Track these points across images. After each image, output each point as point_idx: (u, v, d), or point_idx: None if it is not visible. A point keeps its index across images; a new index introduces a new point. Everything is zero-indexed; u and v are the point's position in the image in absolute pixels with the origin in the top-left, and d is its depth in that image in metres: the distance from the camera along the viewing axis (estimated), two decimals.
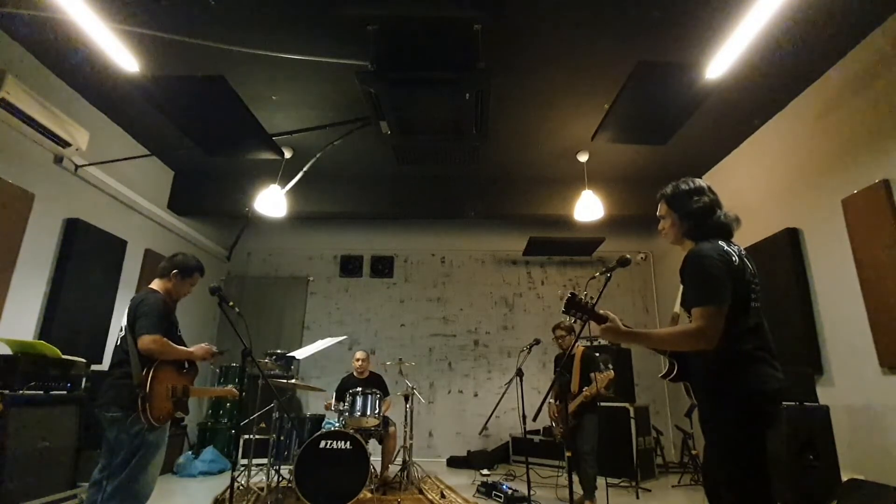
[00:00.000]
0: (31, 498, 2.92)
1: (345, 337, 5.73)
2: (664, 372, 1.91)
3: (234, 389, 3.37)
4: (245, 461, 4.45)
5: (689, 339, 1.62)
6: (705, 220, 1.77)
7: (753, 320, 1.65)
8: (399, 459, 4.48)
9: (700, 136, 4.62)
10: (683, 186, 1.83)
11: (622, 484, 4.65)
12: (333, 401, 4.57)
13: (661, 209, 1.89)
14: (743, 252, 1.75)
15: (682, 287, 1.77)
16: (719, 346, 1.59)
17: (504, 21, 3.21)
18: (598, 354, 4.07)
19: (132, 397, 2.23)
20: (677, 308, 1.89)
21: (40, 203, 3.80)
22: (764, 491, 1.56)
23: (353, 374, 4.86)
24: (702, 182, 1.84)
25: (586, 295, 1.85)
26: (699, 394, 1.77)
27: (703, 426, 1.72)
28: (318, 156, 4.61)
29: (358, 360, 4.85)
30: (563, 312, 1.87)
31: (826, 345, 3.74)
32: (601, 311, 1.80)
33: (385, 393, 4.63)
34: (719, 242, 1.72)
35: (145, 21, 3.17)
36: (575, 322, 1.88)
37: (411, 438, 4.44)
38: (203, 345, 2.59)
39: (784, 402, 3.26)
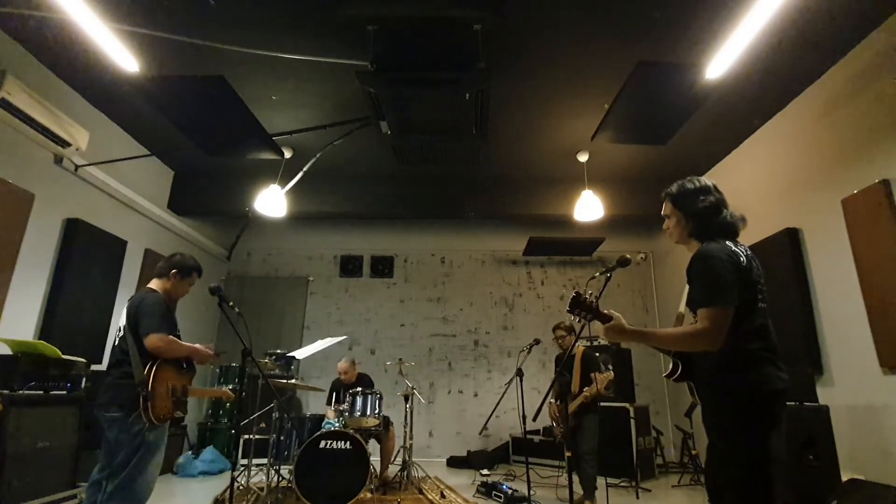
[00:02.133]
0: (31, 498, 2.92)
1: (345, 337, 5.74)
2: (668, 371, 1.91)
3: (228, 391, 3.40)
4: (245, 461, 4.45)
5: (694, 339, 1.61)
6: (711, 220, 1.75)
7: (759, 321, 1.64)
8: (399, 459, 4.48)
9: (700, 136, 4.61)
10: (689, 185, 1.80)
11: (622, 484, 4.64)
12: (330, 406, 4.55)
13: (666, 208, 1.87)
14: (749, 252, 1.73)
15: (687, 287, 1.76)
16: (724, 345, 1.58)
17: (504, 21, 3.20)
18: (598, 354, 4.07)
19: (132, 397, 2.23)
20: (682, 308, 1.88)
21: (40, 203, 3.80)
22: (766, 491, 1.56)
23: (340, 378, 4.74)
24: (707, 181, 1.81)
25: (591, 294, 1.84)
26: (703, 392, 1.76)
27: (707, 425, 1.72)
28: (318, 156, 4.61)
29: (341, 371, 4.66)
30: (568, 311, 1.86)
31: (826, 345, 3.74)
32: (605, 311, 1.79)
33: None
34: (726, 242, 1.70)
35: (145, 21, 3.17)
36: (579, 321, 1.88)
37: (411, 438, 4.44)
38: (205, 347, 2.60)
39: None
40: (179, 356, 2.47)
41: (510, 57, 3.62)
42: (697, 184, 1.80)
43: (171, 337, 2.39)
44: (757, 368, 1.59)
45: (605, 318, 1.77)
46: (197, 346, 2.54)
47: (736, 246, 1.70)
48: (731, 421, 1.60)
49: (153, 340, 2.31)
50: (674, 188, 1.85)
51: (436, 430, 6.62)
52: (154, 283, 2.56)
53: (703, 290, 1.63)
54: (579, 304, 1.81)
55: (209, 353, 2.59)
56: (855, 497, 2.99)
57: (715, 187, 1.79)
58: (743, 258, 1.66)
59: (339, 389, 4.52)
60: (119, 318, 2.49)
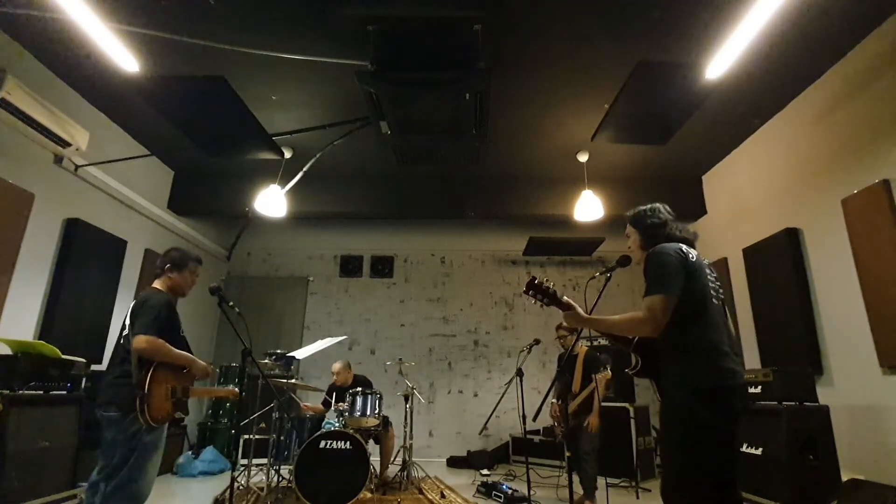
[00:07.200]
0: (31, 498, 2.92)
1: (345, 337, 5.74)
2: (631, 367, 2.04)
3: (234, 389, 3.37)
4: (245, 461, 4.45)
5: (637, 325, 1.77)
6: (657, 232, 1.97)
7: (714, 317, 1.76)
8: (399, 459, 4.48)
9: (700, 136, 4.61)
10: (642, 208, 2.07)
11: (622, 484, 4.64)
12: (331, 401, 4.54)
13: (628, 229, 2.10)
14: (705, 262, 1.89)
15: None
16: (682, 341, 1.71)
17: (504, 21, 3.21)
18: (599, 354, 4.07)
19: (131, 397, 2.21)
20: None
21: (40, 203, 3.80)
22: (730, 483, 1.63)
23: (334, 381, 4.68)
24: (659, 205, 2.06)
25: (548, 280, 1.98)
26: (665, 389, 1.83)
27: (665, 420, 1.79)
28: (318, 156, 4.61)
29: (335, 373, 4.61)
30: (524, 293, 2.00)
31: (826, 345, 3.74)
32: (564, 299, 1.93)
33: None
34: (679, 244, 1.86)
35: (145, 21, 3.17)
36: (537, 304, 2.00)
37: (411, 438, 4.43)
38: (207, 365, 2.54)
39: (784, 402, 3.27)
40: (169, 361, 2.34)
41: (510, 57, 3.62)
42: (649, 206, 2.06)
43: (159, 340, 2.27)
44: (716, 363, 1.69)
45: (564, 306, 1.93)
46: (195, 360, 2.46)
47: (688, 248, 1.86)
48: (695, 415, 1.64)
49: (139, 342, 2.22)
50: (630, 212, 2.10)
51: (436, 430, 6.62)
52: (157, 283, 2.53)
53: (649, 280, 1.78)
54: (533, 287, 1.96)
55: (207, 369, 2.51)
56: (855, 497, 2.99)
57: (665, 209, 2.04)
58: (693, 256, 1.82)
59: (334, 393, 4.51)
60: (120, 319, 2.48)
